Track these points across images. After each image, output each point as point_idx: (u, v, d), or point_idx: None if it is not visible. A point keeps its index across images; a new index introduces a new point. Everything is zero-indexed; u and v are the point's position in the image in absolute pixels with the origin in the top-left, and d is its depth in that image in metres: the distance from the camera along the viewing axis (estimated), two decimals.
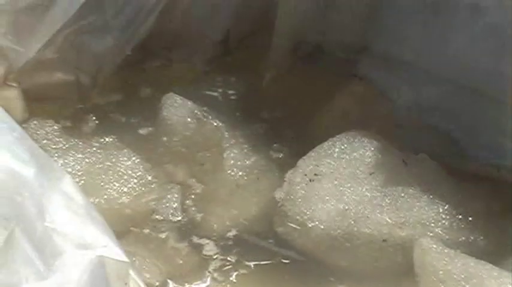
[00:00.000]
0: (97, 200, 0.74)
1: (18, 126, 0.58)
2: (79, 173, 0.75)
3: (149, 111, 0.85)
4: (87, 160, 0.77)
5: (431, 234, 0.73)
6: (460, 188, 0.77)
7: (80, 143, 0.79)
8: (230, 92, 0.88)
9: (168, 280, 0.71)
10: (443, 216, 0.74)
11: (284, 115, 0.87)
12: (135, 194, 0.76)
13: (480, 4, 0.76)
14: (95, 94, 0.86)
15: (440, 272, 0.67)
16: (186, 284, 0.71)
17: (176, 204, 0.77)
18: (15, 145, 0.55)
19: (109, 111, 0.86)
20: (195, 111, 0.82)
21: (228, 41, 0.91)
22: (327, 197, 0.74)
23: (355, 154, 0.77)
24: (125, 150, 0.79)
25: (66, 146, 0.78)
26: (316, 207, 0.74)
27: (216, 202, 0.78)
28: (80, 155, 0.77)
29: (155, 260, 0.72)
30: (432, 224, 0.73)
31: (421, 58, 0.83)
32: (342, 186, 0.75)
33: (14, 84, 0.81)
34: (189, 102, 0.83)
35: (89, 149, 0.78)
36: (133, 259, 0.69)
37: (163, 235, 0.75)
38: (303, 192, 0.75)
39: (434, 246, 0.70)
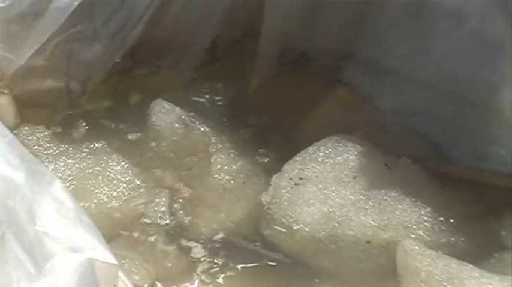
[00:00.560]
0: (87, 204, 0.74)
1: (9, 132, 0.58)
2: (69, 178, 0.76)
3: (138, 117, 0.85)
4: (77, 165, 0.77)
5: (413, 236, 0.73)
6: (442, 191, 0.78)
7: (70, 148, 0.79)
8: (217, 98, 0.88)
9: (157, 282, 0.71)
10: (426, 218, 0.74)
11: (270, 121, 0.88)
12: (124, 198, 0.76)
13: (463, 11, 0.76)
14: (84, 101, 0.87)
15: (423, 273, 0.68)
16: (174, 286, 0.71)
17: (164, 208, 0.77)
18: (6, 150, 0.56)
19: (99, 117, 0.86)
20: (183, 117, 0.83)
21: (215, 48, 0.91)
22: (312, 200, 0.75)
23: (339, 158, 0.78)
24: (114, 155, 0.79)
25: (57, 151, 0.78)
26: (301, 210, 0.74)
27: (204, 205, 0.78)
28: (70, 161, 0.77)
29: (144, 263, 0.72)
30: (414, 226, 0.74)
31: (405, 65, 0.83)
32: (326, 189, 0.75)
33: (5, 91, 0.80)
34: (177, 108, 0.83)
35: (78, 155, 0.78)
36: (123, 261, 0.69)
37: (152, 238, 0.75)
38: (289, 195, 0.75)
39: (417, 248, 0.70)
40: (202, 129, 0.83)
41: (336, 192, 0.75)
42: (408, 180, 0.77)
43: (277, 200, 0.76)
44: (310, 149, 0.78)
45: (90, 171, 0.77)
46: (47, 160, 0.77)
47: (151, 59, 0.90)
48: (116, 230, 0.74)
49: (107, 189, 0.76)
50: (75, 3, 0.78)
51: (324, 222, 0.73)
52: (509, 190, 0.77)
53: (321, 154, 0.78)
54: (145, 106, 0.84)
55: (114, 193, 0.76)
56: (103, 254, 0.54)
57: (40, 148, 0.78)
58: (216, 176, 0.79)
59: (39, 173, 0.56)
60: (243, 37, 0.92)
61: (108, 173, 0.77)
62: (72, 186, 0.75)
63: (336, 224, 0.73)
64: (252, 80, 0.90)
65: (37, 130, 0.80)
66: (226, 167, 0.80)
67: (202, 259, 0.74)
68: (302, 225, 0.73)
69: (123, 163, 0.78)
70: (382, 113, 0.86)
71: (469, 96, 0.78)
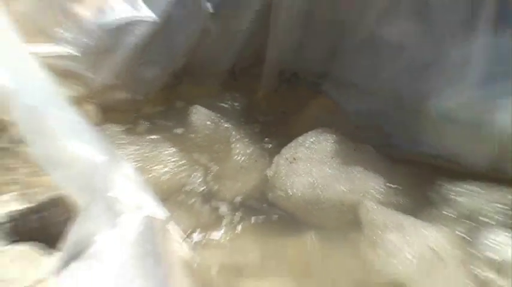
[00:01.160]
0: (147, 177, 0.74)
1: (95, 128, 0.58)
2: (135, 159, 0.76)
3: (182, 117, 0.84)
4: (140, 151, 0.77)
5: (372, 198, 0.73)
6: (392, 167, 0.77)
7: (136, 139, 0.79)
8: (236, 104, 0.87)
9: (195, 232, 0.71)
10: (381, 186, 0.74)
11: (273, 119, 0.87)
12: (172, 173, 0.76)
13: (403, 43, 0.76)
14: (145, 107, 0.86)
15: (379, 223, 0.68)
16: (207, 233, 0.71)
17: (200, 179, 0.76)
18: (92, 140, 0.56)
19: (155, 118, 0.85)
20: (212, 117, 0.82)
21: (234, 71, 0.91)
22: (302, 174, 0.74)
23: (321, 144, 0.77)
24: (165, 143, 0.79)
25: (127, 141, 0.78)
26: (294, 181, 0.74)
27: (227, 178, 0.78)
28: (135, 147, 0.77)
29: (187, 217, 0.72)
30: (373, 191, 0.73)
31: (365, 81, 0.82)
32: (313, 166, 0.75)
33: (92, 101, 0.80)
34: (208, 111, 0.83)
35: (141, 143, 0.78)
36: (172, 216, 0.69)
37: (191, 201, 0.74)
38: (286, 170, 0.75)
39: (375, 206, 0.70)
40: (226, 125, 0.82)
41: (318, 168, 0.74)
42: (369, 160, 0.76)
43: (278, 174, 0.75)
44: (301, 138, 0.78)
45: (148, 155, 0.76)
46: (119, 147, 0.76)
47: (190, 77, 0.90)
48: (167, 195, 0.74)
49: (160, 167, 0.75)
50: (140, 43, 0.78)
51: (310, 189, 0.73)
52: (437, 166, 0.76)
53: (308, 141, 0.77)
54: (187, 110, 0.84)
55: (166, 169, 0.75)
56: (159, 211, 0.54)
57: (115, 139, 0.78)
58: (235, 157, 0.79)
59: (114, 156, 0.56)
60: (253, 63, 0.91)
61: (161, 156, 0.77)
62: (137, 164, 0.75)
63: (319, 191, 0.73)
64: (259, 91, 0.90)
65: (113, 127, 0.80)
66: (242, 152, 0.79)
67: (226, 215, 0.74)
68: (295, 191, 0.73)
69: (171, 149, 0.78)
70: (350, 114, 0.85)
71: (407, 102, 0.78)
